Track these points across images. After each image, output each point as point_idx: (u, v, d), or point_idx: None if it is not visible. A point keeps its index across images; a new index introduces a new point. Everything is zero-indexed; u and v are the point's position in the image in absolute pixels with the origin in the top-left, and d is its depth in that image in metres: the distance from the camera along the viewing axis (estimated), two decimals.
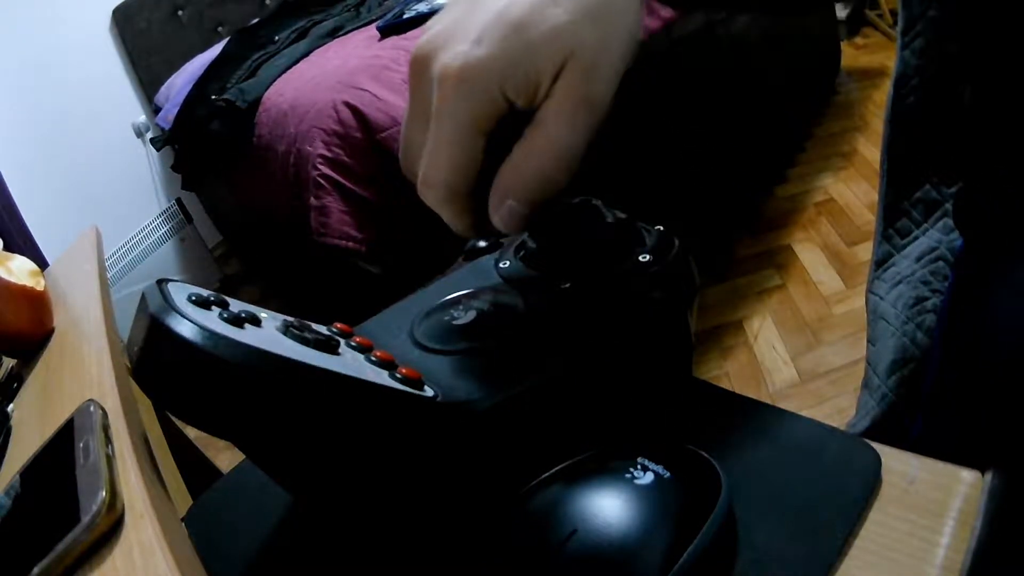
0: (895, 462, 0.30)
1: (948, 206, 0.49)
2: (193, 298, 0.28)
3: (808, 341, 1.65)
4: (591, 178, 0.39)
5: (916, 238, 0.51)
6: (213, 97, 1.89)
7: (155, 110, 2.36)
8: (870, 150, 2.22)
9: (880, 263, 0.53)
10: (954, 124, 0.45)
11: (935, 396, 0.46)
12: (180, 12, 2.48)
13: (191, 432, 1.06)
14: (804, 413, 0.34)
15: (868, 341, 0.54)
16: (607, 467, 0.29)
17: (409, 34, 1.72)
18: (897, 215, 0.52)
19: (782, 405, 0.36)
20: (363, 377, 0.28)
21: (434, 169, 0.30)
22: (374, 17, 2.03)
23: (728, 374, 1.62)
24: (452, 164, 0.30)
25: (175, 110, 2.05)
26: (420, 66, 0.30)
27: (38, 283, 0.66)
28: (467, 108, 0.29)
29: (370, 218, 1.51)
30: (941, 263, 0.48)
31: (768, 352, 1.65)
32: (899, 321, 0.50)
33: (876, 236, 0.54)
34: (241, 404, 0.26)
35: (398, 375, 0.30)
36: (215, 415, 0.27)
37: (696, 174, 1.79)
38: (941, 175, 0.49)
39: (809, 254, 1.90)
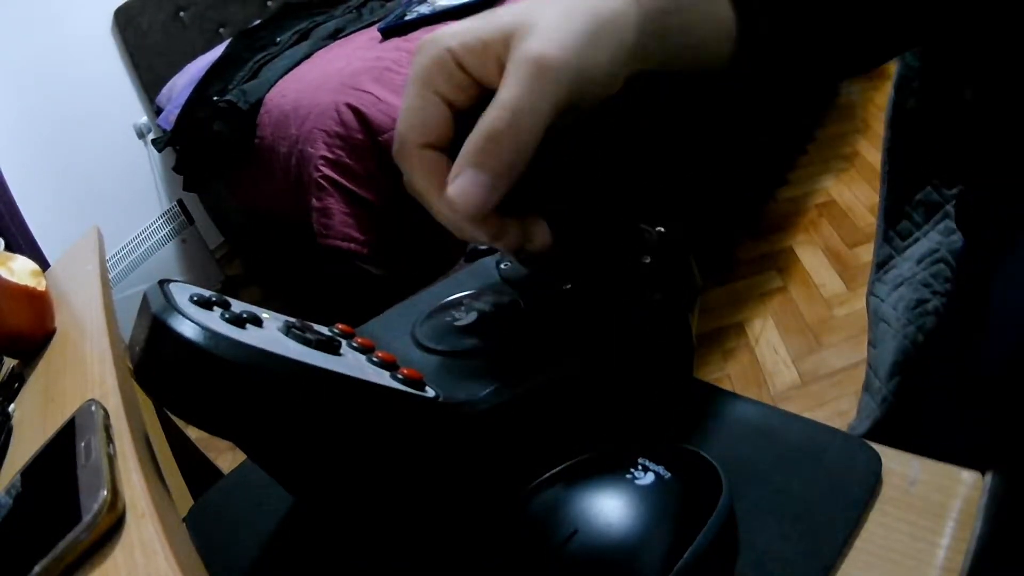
0: (896, 463, 0.30)
1: (949, 208, 0.49)
2: (195, 298, 0.28)
3: (809, 343, 1.64)
4: (593, 179, 0.39)
5: (917, 240, 0.51)
6: (215, 98, 1.90)
7: (157, 111, 2.36)
8: (871, 152, 2.21)
9: (881, 265, 0.54)
10: (955, 126, 0.45)
11: (935, 397, 0.46)
12: (182, 13, 2.49)
13: (192, 432, 1.06)
14: (805, 415, 0.34)
15: (869, 343, 0.54)
16: (608, 467, 0.29)
17: (411, 36, 1.72)
18: (898, 217, 0.52)
19: (783, 407, 0.36)
20: (364, 378, 0.28)
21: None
22: (376, 19, 2.04)
23: (729, 376, 1.62)
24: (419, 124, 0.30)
25: (177, 111, 2.05)
26: None
27: (39, 283, 0.66)
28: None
29: (372, 220, 1.51)
30: (942, 265, 0.48)
31: (769, 354, 1.65)
32: (900, 323, 0.50)
33: (877, 238, 0.54)
34: (243, 404, 0.26)
35: (399, 376, 0.30)
36: (217, 415, 0.27)
37: (697, 176, 1.79)
38: (942, 177, 0.49)
39: (810, 256, 1.89)
